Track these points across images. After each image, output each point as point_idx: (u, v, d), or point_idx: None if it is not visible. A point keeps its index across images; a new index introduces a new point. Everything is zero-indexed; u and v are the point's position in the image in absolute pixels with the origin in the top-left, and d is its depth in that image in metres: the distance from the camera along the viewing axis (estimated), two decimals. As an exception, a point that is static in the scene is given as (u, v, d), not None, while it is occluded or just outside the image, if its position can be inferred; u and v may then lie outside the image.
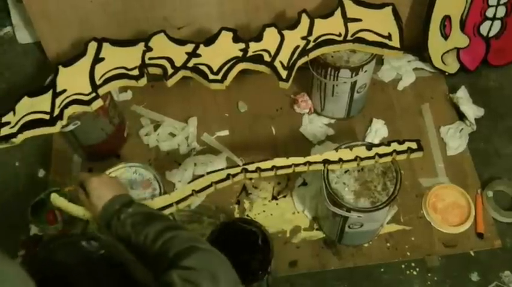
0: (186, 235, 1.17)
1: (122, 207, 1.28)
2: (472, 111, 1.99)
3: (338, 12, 1.78)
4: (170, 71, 1.68)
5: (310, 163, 1.50)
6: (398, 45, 1.71)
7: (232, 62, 1.68)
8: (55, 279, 1.10)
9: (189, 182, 1.50)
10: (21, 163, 2.02)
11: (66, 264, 1.29)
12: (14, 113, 1.66)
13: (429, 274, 1.73)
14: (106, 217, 1.30)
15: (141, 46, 1.74)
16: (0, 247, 0.87)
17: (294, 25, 1.76)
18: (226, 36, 1.74)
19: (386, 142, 1.54)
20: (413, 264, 1.75)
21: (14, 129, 1.62)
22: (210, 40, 1.74)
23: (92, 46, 1.76)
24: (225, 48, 1.72)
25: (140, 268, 1.45)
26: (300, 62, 1.70)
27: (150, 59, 1.71)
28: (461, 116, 2.01)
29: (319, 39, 1.72)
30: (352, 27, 1.75)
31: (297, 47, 1.71)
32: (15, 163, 2.01)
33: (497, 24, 2.00)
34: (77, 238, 1.39)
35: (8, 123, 1.64)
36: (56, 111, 1.64)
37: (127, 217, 1.26)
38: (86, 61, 1.73)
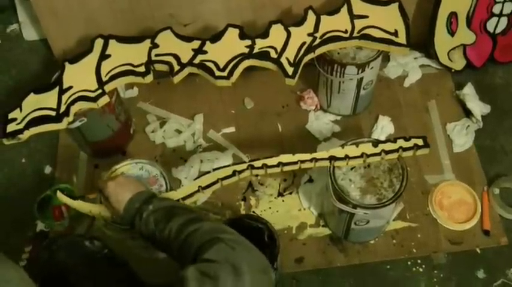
0: (209, 226, 1.15)
1: (142, 205, 1.26)
2: (478, 108, 1.99)
3: (344, 9, 1.78)
4: (176, 67, 1.68)
5: (316, 160, 1.50)
6: (404, 42, 1.71)
7: (238, 59, 1.68)
8: (58, 279, 1.10)
9: (195, 179, 1.50)
10: (28, 159, 2.02)
11: (68, 264, 1.29)
12: (21, 110, 1.66)
13: (435, 271, 1.73)
14: (128, 218, 1.29)
15: (147, 43, 1.75)
16: (3, 251, 0.87)
17: (300, 22, 1.76)
18: (232, 33, 1.74)
19: (392, 139, 1.54)
20: (419, 261, 1.75)
21: (21, 126, 1.62)
22: (216, 37, 1.74)
23: (98, 43, 1.76)
24: (231, 45, 1.72)
25: (147, 267, 1.46)
26: (306, 59, 1.70)
27: (156, 55, 1.72)
28: (468, 113, 2.00)
29: (326, 36, 1.72)
30: (359, 24, 1.74)
31: (303, 43, 1.71)
32: (21, 160, 2.02)
33: (503, 21, 1.99)
34: (79, 238, 1.39)
35: (15, 119, 1.65)
36: (63, 108, 1.64)
37: (149, 214, 1.24)
38: (92, 58, 1.73)
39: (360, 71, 1.78)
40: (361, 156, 1.51)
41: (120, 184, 1.34)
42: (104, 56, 1.73)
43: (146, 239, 1.27)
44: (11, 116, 1.66)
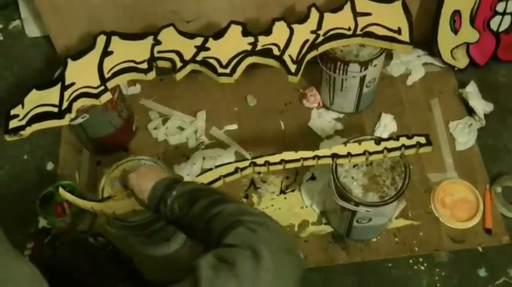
0: (231, 208, 1.10)
1: (165, 192, 1.22)
2: (481, 106, 1.98)
3: (348, 6, 1.78)
4: (179, 64, 1.68)
5: (318, 157, 1.50)
6: (407, 40, 1.71)
7: (241, 56, 1.68)
8: (61, 276, 1.10)
9: (197, 176, 1.50)
10: (30, 155, 2.02)
11: (72, 261, 1.29)
12: (23, 106, 1.66)
13: (437, 269, 1.73)
14: (153, 207, 1.25)
15: (150, 40, 1.74)
16: (13, 246, 0.87)
17: (303, 19, 1.76)
18: (235, 30, 1.74)
19: (395, 137, 1.53)
20: (421, 259, 1.75)
21: (23, 122, 1.62)
22: (219, 34, 1.74)
23: (101, 39, 1.76)
24: (234, 42, 1.72)
25: (148, 264, 1.45)
26: (309, 56, 1.70)
27: (159, 52, 1.72)
28: (470, 111, 2.00)
29: (329, 34, 1.72)
30: (362, 21, 1.74)
31: (306, 41, 1.71)
32: (23, 156, 2.02)
33: (507, 19, 1.99)
34: (83, 235, 1.39)
35: (17, 116, 1.65)
36: (65, 105, 1.64)
37: (173, 200, 1.20)
38: (94, 54, 1.73)
39: (362, 69, 1.78)
40: (364, 154, 1.51)
41: (141, 174, 1.32)
42: (106, 53, 1.73)
43: (173, 226, 1.24)
44: (13, 112, 1.66)
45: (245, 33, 1.73)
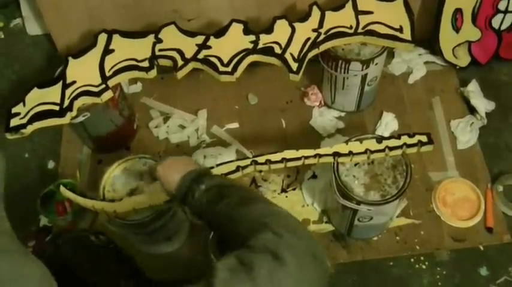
0: (259, 209, 1.07)
1: (193, 184, 1.19)
2: (482, 105, 1.98)
3: (349, 4, 1.77)
4: (180, 62, 1.68)
5: (320, 156, 1.50)
6: (409, 38, 1.71)
7: (242, 54, 1.68)
8: (63, 274, 1.10)
9: (198, 174, 1.50)
10: (31, 154, 2.02)
11: (74, 259, 1.29)
12: (24, 105, 1.66)
13: (438, 268, 1.73)
14: (180, 199, 1.22)
15: (151, 38, 1.74)
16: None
17: (304, 17, 1.76)
18: (236, 28, 1.74)
19: (396, 135, 1.53)
20: (422, 258, 1.75)
21: (24, 121, 1.62)
22: (220, 32, 1.74)
23: (102, 38, 1.76)
24: (235, 40, 1.72)
25: (149, 263, 1.45)
26: (310, 55, 1.69)
27: (160, 50, 1.71)
28: (472, 110, 2.00)
29: (330, 32, 1.72)
30: (363, 19, 1.74)
31: (308, 39, 1.71)
32: (25, 155, 2.02)
33: (509, 18, 1.98)
34: (84, 233, 1.39)
35: (18, 114, 1.64)
36: (66, 103, 1.64)
37: (201, 194, 1.17)
38: (95, 53, 1.73)
39: (364, 67, 1.77)
40: (365, 152, 1.50)
41: (168, 165, 1.29)
42: (107, 51, 1.73)
43: (199, 219, 1.21)
44: (14, 110, 1.66)
45: (246, 31, 1.73)
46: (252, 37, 1.72)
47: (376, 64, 1.79)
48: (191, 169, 1.24)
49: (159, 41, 1.73)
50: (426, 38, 2.08)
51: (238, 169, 1.47)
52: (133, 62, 1.70)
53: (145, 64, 1.69)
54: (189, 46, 1.71)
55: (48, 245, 1.35)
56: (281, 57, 1.67)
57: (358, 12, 1.75)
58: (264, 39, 1.71)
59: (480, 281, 1.71)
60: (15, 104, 1.67)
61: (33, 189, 1.85)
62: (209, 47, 1.71)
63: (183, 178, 1.21)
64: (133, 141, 2.00)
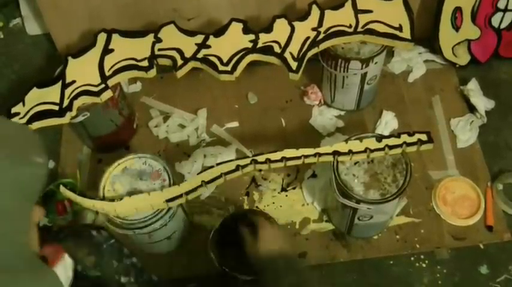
0: None
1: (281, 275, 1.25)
2: (482, 103, 1.98)
3: (349, 3, 1.77)
4: (180, 62, 1.68)
5: (320, 155, 1.50)
6: (409, 37, 1.71)
7: (242, 53, 1.68)
8: None
9: (198, 173, 1.50)
10: (31, 153, 2.02)
11: (75, 254, 1.29)
12: (24, 104, 1.66)
13: (438, 267, 1.73)
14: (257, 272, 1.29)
15: (150, 37, 1.74)
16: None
17: (304, 16, 1.76)
18: (236, 28, 1.74)
19: (396, 134, 1.53)
20: (422, 256, 1.75)
21: (24, 120, 1.62)
22: (220, 31, 1.74)
23: (102, 37, 1.76)
24: (235, 39, 1.72)
25: (149, 262, 1.45)
26: (310, 54, 1.70)
27: (159, 50, 1.71)
28: (472, 109, 2.00)
29: (330, 31, 1.72)
30: (363, 18, 1.74)
31: (307, 38, 1.71)
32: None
33: (508, 16, 1.98)
34: (86, 228, 1.39)
35: (18, 114, 1.64)
36: (65, 103, 1.64)
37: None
38: (95, 52, 1.73)
39: (364, 66, 1.77)
40: (365, 151, 1.50)
41: (276, 235, 1.35)
42: (107, 51, 1.73)
43: None
44: (13, 110, 1.66)
45: (246, 30, 1.73)
46: (252, 36, 1.72)
47: (376, 63, 1.79)
48: (287, 248, 1.31)
49: (159, 40, 1.73)
50: (426, 36, 2.07)
51: (238, 168, 1.48)
52: (133, 62, 1.70)
53: (145, 63, 1.69)
54: (188, 45, 1.71)
55: (50, 240, 1.35)
56: (280, 56, 1.68)
57: (357, 11, 1.75)
58: (264, 38, 1.71)
59: (480, 280, 1.71)
60: (15, 104, 1.67)
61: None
62: (209, 46, 1.71)
63: (276, 259, 1.28)
64: (133, 141, 2.00)
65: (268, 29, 1.73)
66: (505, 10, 1.96)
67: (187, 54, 1.69)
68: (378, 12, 1.75)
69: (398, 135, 1.52)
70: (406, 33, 1.71)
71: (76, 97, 1.64)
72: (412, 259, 1.74)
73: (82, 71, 1.70)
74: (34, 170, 0.77)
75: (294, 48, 1.69)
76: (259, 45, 1.70)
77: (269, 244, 1.32)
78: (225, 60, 1.67)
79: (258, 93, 2.08)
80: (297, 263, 1.31)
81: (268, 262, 1.28)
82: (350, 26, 1.73)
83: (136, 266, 1.41)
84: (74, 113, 1.65)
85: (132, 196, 1.46)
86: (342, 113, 2.02)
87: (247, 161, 1.48)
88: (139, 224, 1.49)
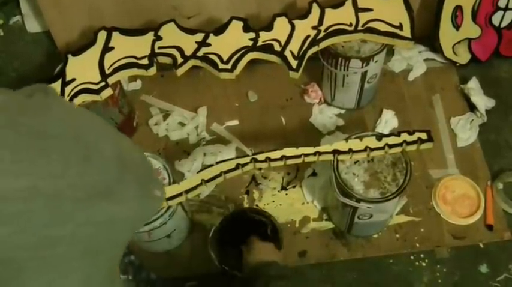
0: None
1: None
2: (483, 102, 1.98)
3: (349, 2, 1.77)
4: (180, 60, 1.68)
5: (319, 153, 1.50)
6: (409, 36, 1.70)
7: (242, 52, 1.68)
8: None
9: (198, 172, 1.50)
10: (31, 151, 2.02)
11: None
12: (24, 102, 1.66)
13: (438, 266, 1.73)
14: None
15: (150, 35, 1.74)
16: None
17: (304, 15, 1.75)
18: (236, 26, 1.74)
19: (396, 133, 1.53)
20: (422, 255, 1.75)
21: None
22: (220, 29, 1.74)
23: (102, 35, 1.75)
24: (235, 37, 1.72)
25: (151, 260, 1.45)
26: (310, 52, 1.69)
27: (159, 48, 1.71)
28: (472, 107, 2.00)
29: (330, 29, 1.72)
30: (363, 17, 1.74)
31: (308, 37, 1.70)
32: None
33: (509, 15, 1.98)
34: None
35: (18, 112, 1.64)
36: (66, 100, 1.64)
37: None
38: (95, 50, 1.73)
39: (364, 65, 1.77)
40: (365, 150, 1.50)
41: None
42: (107, 49, 1.73)
43: None
44: (14, 108, 1.65)
45: (246, 29, 1.73)
46: (252, 34, 1.71)
47: (376, 61, 1.79)
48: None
49: (159, 38, 1.73)
50: (426, 35, 2.07)
51: (238, 166, 1.48)
52: (133, 60, 1.69)
53: (145, 62, 1.69)
54: (188, 44, 1.71)
55: None
56: (281, 54, 1.67)
57: (357, 10, 1.75)
58: (264, 37, 1.71)
59: (480, 279, 1.71)
60: (15, 102, 1.66)
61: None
62: (209, 45, 1.71)
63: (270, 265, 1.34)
64: (133, 139, 2.00)
65: (269, 27, 1.73)
66: (506, 9, 1.96)
67: (188, 53, 1.69)
68: (378, 10, 1.75)
69: (398, 134, 1.53)
70: (407, 31, 1.71)
71: (76, 95, 1.64)
72: (412, 257, 1.74)
73: (82, 69, 1.70)
74: (154, 204, 0.71)
75: (294, 46, 1.68)
76: (260, 43, 1.70)
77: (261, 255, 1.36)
78: (225, 59, 1.67)
79: (258, 92, 2.08)
80: (288, 271, 1.35)
81: (260, 269, 1.31)
82: (350, 25, 1.72)
83: (134, 264, 1.41)
84: (73, 111, 1.65)
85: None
86: (342, 111, 2.02)
87: (247, 159, 1.48)
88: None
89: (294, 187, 1.87)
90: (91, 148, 0.57)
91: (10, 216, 0.50)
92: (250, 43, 1.70)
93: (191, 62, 1.69)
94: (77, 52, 1.73)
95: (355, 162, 1.55)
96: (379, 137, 1.52)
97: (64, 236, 0.53)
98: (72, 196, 0.53)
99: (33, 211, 0.51)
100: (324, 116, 2.01)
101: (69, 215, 0.53)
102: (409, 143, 1.51)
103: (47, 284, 0.54)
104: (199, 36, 1.73)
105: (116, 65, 1.69)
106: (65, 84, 1.67)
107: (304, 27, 1.72)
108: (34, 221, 0.51)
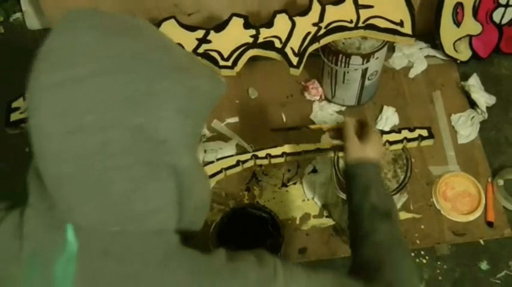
0: (409, 266, 1.11)
1: (376, 180, 1.22)
2: (483, 99, 1.98)
3: (349, -2, 1.77)
4: (180, 57, 1.68)
5: (320, 150, 1.50)
6: (410, 32, 1.70)
7: (242, 49, 1.68)
8: None
9: (198, 169, 1.50)
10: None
11: None
12: (24, 99, 1.66)
13: (438, 262, 1.73)
14: (358, 171, 1.24)
15: (151, 32, 1.74)
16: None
17: (305, 11, 1.75)
18: (237, 23, 1.74)
19: (397, 129, 1.54)
20: (422, 252, 1.75)
21: (24, 115, 1.62)
22: (220, 26, 1.74)
23: (102, 32, 1.75)
24: (235, 34, 1.72)
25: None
26: (310, 49, 1.69)
27: (160, 45, 1.71)
28: (473, 104, 2.00)
29: (331, 26, 1.72)
30: (364, 13, 1.74)
31: (308, 33, 1.70)
32: (25, 149, 2.02)
33: (510, 12, 1.98)
34: None
35: (18, 108, 1.65)
36: (66, 97, 1.64)
37: (374, 192, 1.18)
38: (96, 47, 1.73)
39: (364, 61, 1.77)
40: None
41: (375, 140, 1.29)
42: (107, 46, 1.72)
43: (349, 203, 1.24)
44: (14, 105, 1.66)
45: (247, 25, 1.73)
46: (252, 31, 1.71)
47: (377, 58, 1.79)
48: (380, 161, 1.28)
49: (159, 35, 1.73)
50: (427, 32, 2.07)
51: (238, 163, 1.48)
52: (134, 57, 1.69)
53: (146, 59, 1.68)
54: (189, 40, 1.71)
55: None
56: (281, 51, 1.67)
57: (358, 6, 1.75)
58: (264, 34, 1.71)
59: (480, 276, 1.71)
60: (15, 99, 1.67)
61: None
62: (209, 42, 1.71)
63: (374, 164, 1.24)
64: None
65: (269, 24, 1.73)
66: (507, 5, 1.96)
67: (188, 50, 1.69)
68: (379, 7, 1.75)
69: (399, 131, 1.53)
70: (407, 28, 1.71)
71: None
72: (413, 254, 1.74)
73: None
74: (221, 87, 0.91)
75: (295, 43, 1.68)
76: (260, 40, 1.70)
77: (376, 147, 1.27)
78: (225, 56, 1.67)
79: (259, 89, 2.08)
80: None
81: (360, 164, 1.24)
82: (351, 21, 1.72)
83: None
84: (74, 108, 1.65)
85: None
86: (343, 108, 2.02)
87: (248, 156, 1.49)
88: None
89: (294, 183, 1.87)
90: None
91: None
92: (250, 40, 1.70)
93: (191, 59, 1.69)
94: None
95: (356, 159, 1.55)
96: (380, 133, 1.52)
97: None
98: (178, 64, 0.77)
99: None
100: (324, 112, 2.01)
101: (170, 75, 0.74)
102: (409, 140, 1.51)
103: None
104: (200, 33, 1.73)
105: (116, 62, 1.69)
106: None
107: (305, 24, 1.72)
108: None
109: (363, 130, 1.31)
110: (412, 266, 1.10)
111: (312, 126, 1.50)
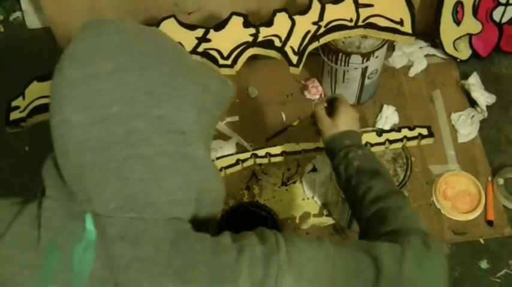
0: (410, 212, 1.11)
1: (353, 146, 1.24)
2: (483, 98, 1.98)
3: (349, -3, 1.77)
4: (180, 56, 1.68)
5: (320, 149, 1.50)
6: (410, 31, 1.70)
7: (242, 47, 1.68)
8: None
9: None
10: (31, 147, 2.02)
11: None
12: (24, 98, 1.66)
13: (439, 261, 1.73)
14: (331, 148, 1.27)
15: (150, 31, 1.74)
16: None
17: (305, 10, 1.75)
18: (236, 21, 1.73)
19: (396, 128, 1.53)
20: (422, 251, 1.75)
21: (24, 114, 1.62)
22: (220, 25, 1.73)
23: (102, 31, 1.75)
24: (235, 33, 1.72)
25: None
26: (310, 48, 1.69)
27: (160, 44, 1.71)
28: (473, 103, 2.00)
29: (330, 25, 1.71)
30: (364, 12, 1.73)
31: (308, 32, 1.70)
32: (25, 148, 2.02)
33: (510, 10, 1.98)
34: None
35: (18, 107, 1.64)
36: (66, 96, 1.64)
37: (354, 157, 1.21)
38: (95, 46, 1.73)
39: (364, 60, 1.77)
40: (365, 145, 1.50)
41: (345, 112, 1.32)
42: (107, 44, 1.72)
43: (338, 176, 1.25)
44: (14, 104, 1.66)
45: (246, 24, 1.73)
46: (252, 30, 1.71)
47: (377, 57, 1.78)
48: (358, 132, 1.30)
49: (159, 34, 1.73)
50: (427, 31, 2.07)
51: (238, 162, 1.48)
52: (133, 56, 1.69)
53: (145, 57, 1.68)
54: (188, 39, 1.71)
55: None
56: (281, 50, 1.67)
57: (358, 5, 1.75)
58: (264, 32, 1.71)
59: (481, 275, 1.71)
60: (15, 98, 1.66)
61: (34, 182, 1.84)
62: (209, 40, 1.71)
63: (347, 133, 1.27)
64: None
65: (269, 23, 1.73)
66: (507, 4, 1.96)
67: (188, 48, 1.69)
68: (379, 6, 1.74)
69: (398, 130, 1.53)
70: (407, 27, 1.71)
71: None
72: (413, 253, 1.74)
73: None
74: (229, 89, 0.97)
75: (295, 42, 1.68)
76: (260, 39, 1.69)
77: (345, 119, 1.30)
78: (225, 54, 1.67)
79: (259, 88, 2.08)
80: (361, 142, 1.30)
81: (336, 137, 1.28)
82: (351, 20, 1.72)
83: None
84: (74, 107, 1.65)
85: None
86: (343, 107, 2.01)
87: (248, 155, 1.48)
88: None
89: (294, 182, 1.87)
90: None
91: None
92: (250, 39, 1.70)
93: (191, 58, 1.69)
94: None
95: (356, 158, 1.55)
96: (380, 132, 1.52)
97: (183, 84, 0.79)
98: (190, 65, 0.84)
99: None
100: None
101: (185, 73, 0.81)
102: (409, 139, 1.51)
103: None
104: (200, 32, 1.72)
105: (116, 61, 1.69)
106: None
107: (305, 23, 1.72)
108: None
109: (333, 107, 1.36)
110: (413, 212, 1.11)
111: (294, 123, 1.52)
